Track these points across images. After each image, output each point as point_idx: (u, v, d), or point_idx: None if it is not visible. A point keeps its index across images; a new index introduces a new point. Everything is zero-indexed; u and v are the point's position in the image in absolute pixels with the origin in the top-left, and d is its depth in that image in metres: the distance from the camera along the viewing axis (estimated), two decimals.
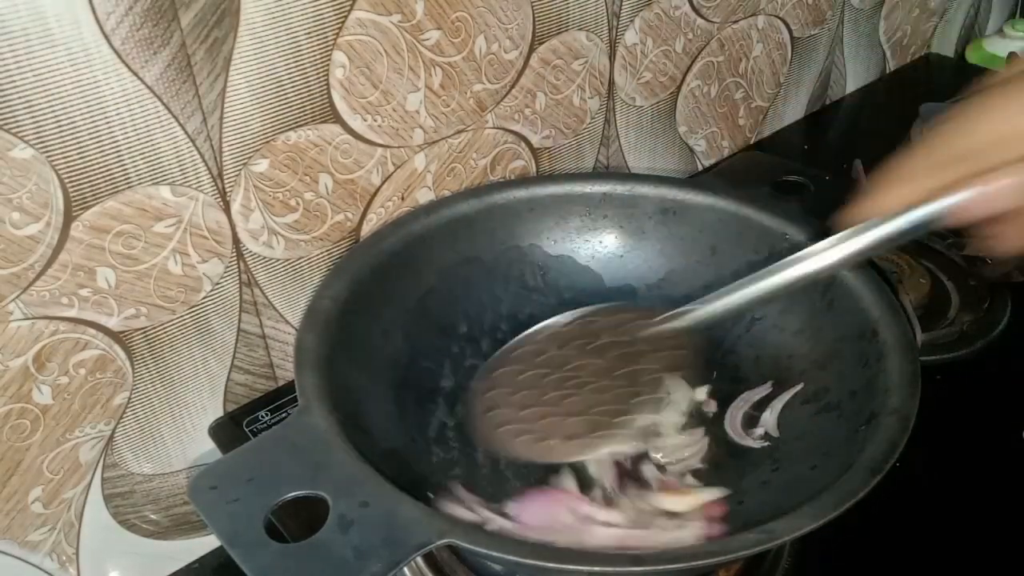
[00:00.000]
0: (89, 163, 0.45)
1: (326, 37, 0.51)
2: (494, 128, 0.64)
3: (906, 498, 0.47)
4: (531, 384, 0.51)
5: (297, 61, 0.51)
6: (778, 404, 0.52)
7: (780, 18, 0.83)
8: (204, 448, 0.57)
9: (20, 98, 0.42)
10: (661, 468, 0.50)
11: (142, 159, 0.47)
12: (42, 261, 0.46)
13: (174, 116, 0.47)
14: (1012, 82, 0.36)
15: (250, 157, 0.51)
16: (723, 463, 0.50)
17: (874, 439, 0.42)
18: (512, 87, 0.63)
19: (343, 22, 0.52)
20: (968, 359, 0.64)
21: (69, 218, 0.46)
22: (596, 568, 0.36)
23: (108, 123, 0.45)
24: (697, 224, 0.59)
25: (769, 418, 0.52)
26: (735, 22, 0.78)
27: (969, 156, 0.36)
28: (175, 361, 0.54)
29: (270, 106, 0.51)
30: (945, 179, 0.37)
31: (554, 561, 0.37)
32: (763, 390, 0.53)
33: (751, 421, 0.52)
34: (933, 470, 0.53)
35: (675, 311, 0.50)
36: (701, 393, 0.53)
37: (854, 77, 1.00)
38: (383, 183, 0.59)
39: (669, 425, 0.51)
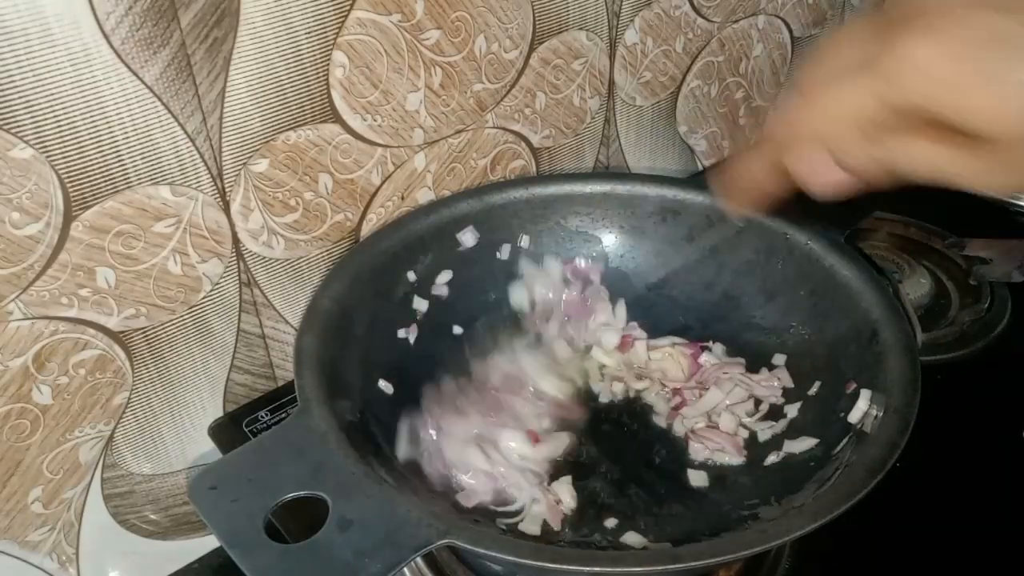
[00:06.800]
0: (89, 163, 0.45)
1: (326, 37, 0.51)
2: (494, 128, 0.64)
3: (906, 498, 0.47)
4: None
5: (297, 61, 0.51)
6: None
7: (780, 18, 0.83)
8: (204, 448, 0.57)
9: (20, 98, 0.42)
10: None
11: (142, 159, 0.47)
12: (42, 261, 0.46)
13: (174, 116, 0.47)
14: None
15: (250, 157, 0.51)
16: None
17: (874, 439, 0.42)
18: (512, 87, 0.63)
19: (343, 22, 0.51)
20: (968, 359, 0.64)
21: (69, 218, 0.46)
22: (596, 568, 0.36)
23: (108, 123, 0.45)
24: (697, 224, 0.59)
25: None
26: (735, 22, 0.78)
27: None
28: (175, 361, 0.54)
29: (270, 106, 0.51)
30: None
31: (554, 561, 0.37)
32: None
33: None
34: (933, 470, 0.53)
35: None
36: None
37: None
38: (383, 183, 0.59)
39: None
